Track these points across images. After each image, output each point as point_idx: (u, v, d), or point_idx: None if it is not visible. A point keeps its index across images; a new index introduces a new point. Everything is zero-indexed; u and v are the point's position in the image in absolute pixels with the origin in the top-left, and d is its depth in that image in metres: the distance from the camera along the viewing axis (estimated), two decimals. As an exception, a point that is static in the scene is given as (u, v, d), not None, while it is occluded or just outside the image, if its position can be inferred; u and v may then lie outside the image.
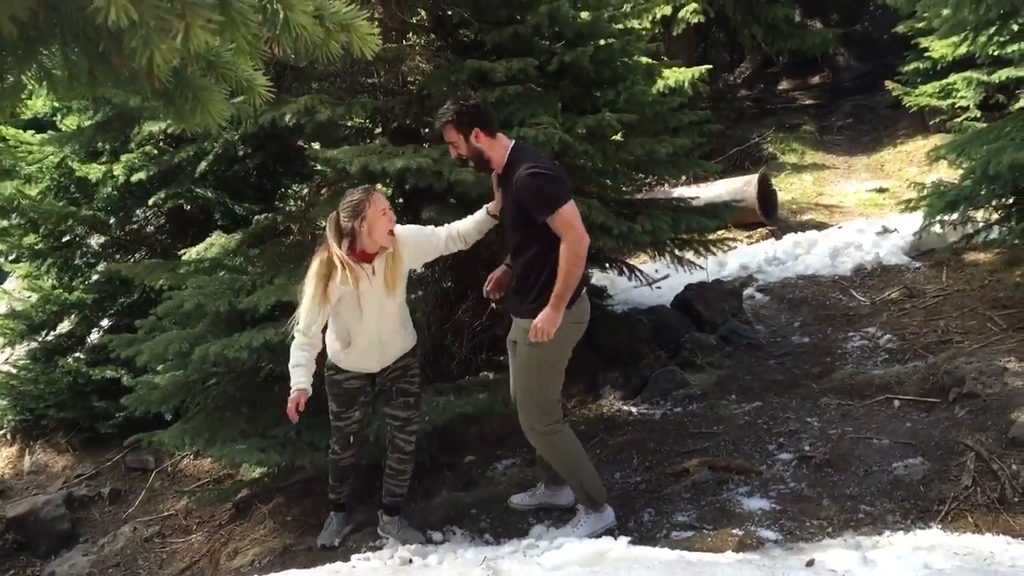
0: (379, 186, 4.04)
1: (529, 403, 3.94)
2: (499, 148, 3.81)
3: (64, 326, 7.41)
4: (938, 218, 5.99)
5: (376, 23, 2.96)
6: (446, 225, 4.11)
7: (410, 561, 3.82)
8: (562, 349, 3.89)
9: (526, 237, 3.78)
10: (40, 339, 7.38)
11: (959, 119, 9.81)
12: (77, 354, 7.31)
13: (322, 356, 4.00)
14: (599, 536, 3.91)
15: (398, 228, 3.92)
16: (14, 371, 7.28)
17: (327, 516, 4.57)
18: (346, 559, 4.02)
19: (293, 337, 3.85)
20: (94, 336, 7.35)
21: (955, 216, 5.94)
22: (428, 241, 4.06)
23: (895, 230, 8.03)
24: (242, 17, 1.76)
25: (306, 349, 3.82)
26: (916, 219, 6.94)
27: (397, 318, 4.05)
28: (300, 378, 3.81)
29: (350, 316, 3.91)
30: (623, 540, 3.68)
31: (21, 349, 7.49)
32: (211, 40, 1.71)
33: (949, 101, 10.45)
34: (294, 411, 3.76)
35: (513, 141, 3.87)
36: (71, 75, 1.90)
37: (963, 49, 7.24)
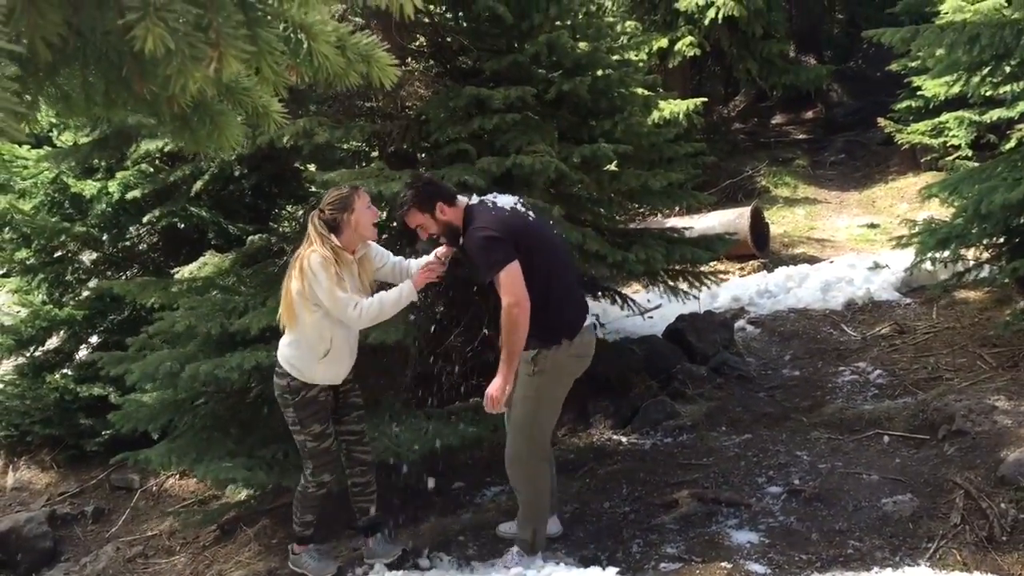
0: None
1: (521, 433, 3.90)
2: (460, 214, 3.79)
3: (53, 342, 7.36)
4: (929, 255, 6.04)
5: (375, 36, 2.99)
6: (397, 257, 4.19)
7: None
8: (562, 382, 3.89)
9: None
10: (28, 354, 7.31)
11: (951, 157, 9.90)
12: (65, 370, 7.24)
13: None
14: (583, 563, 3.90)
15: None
16: (1, 386, 7.22)
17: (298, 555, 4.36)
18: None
19: (361, 315, 3.81)
20: (83, 353, 7.31)
21: (946, 254, 5.98)
22: (381, 259, 4.12)
23: (886, 266, 8.07)
24: (269, 47, 1.79)
25: (366, 302, 3.82)
26: (907, 255, 6.98)
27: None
28: (399, 293, 3.85)
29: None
30: (612, 570, 3.67)
31: (9, 364, 7.44)
32: (242, 69, 1.73)
33: (941, 139, 10.55)
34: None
35: (468, 201, 3.83)
36: (87, 97, 1.91)
37: (956, 88, 7.33)
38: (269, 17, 1.81)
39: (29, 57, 1.64)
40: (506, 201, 3.87)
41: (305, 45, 1.89)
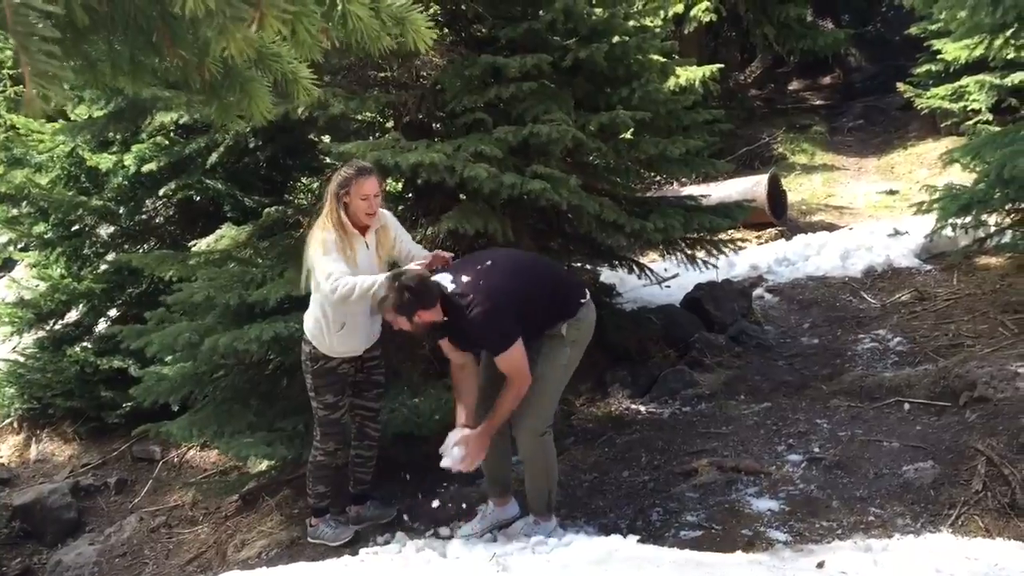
0: (372, 175, 4.00)
1: (550, 402, 3.94)
2: (439, 311, 3.71)
3: (72, 315, 7.41)
4: (950, 221, 5.98)
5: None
6: (414, 244, 4.28)
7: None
8: (578, 353, 3.96)
9: None
10: (48, 328, 7.37)
11: (971, 122, 9.79)
12: (85, 343, 7.29)
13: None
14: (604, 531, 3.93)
15: (386, 213, 4.10)
16: (22, 360, 7.28)
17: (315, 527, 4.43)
18: (354, 553, 4.01)
19: (336, 291, 3.80)
20: (102, 326, 7.35)
21: (968, 219, 5.93)
22: (399, 240, 4.17)
23: (906, 232, 8.00)
24: (305, 8, 1.76)
25: (350, 277, 3.81)
26: (927, 222, 6.92)
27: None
28: (372, 280, 3.80)
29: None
30: (632, 539, 3.67)
31: (29, 338, 7.48)
32: (283, 30, 1.70)
33: (961, 104, 10.41)
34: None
35: (444, 294, 3.75)
36: (114, 65, 1.89)
37: (977, 52, 7.22)
38: None
39: (67, 20, 1.62)
40: (466, 270, 3.83)
41: (339, 6, 1.86)
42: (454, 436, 3.87)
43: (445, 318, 3.72)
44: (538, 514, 4.02)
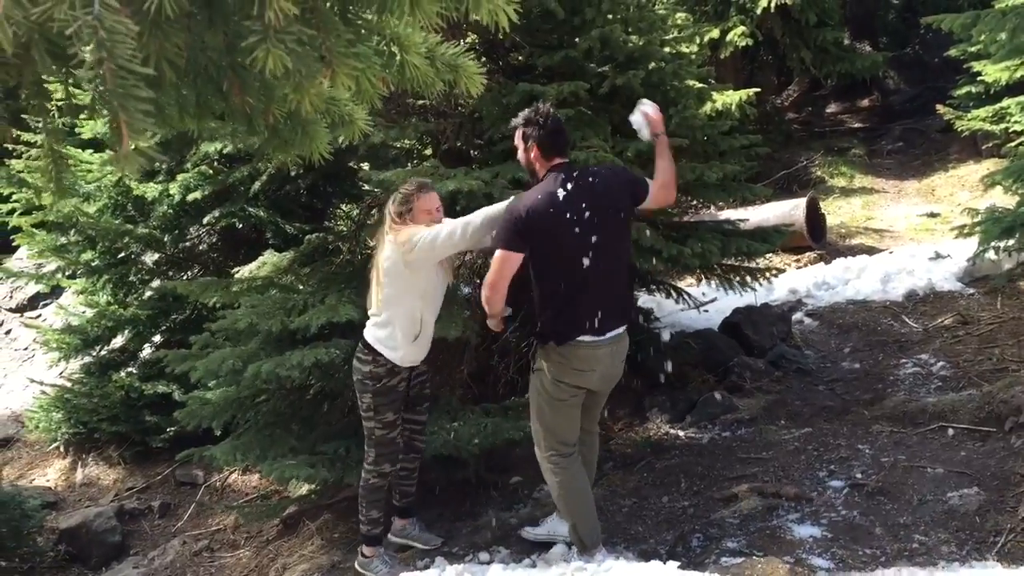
0: (433, 190, 4.06)
1: (534, 427, 3.98)
2: (543, 171, 3.75)
3: (118, 341, 7.56)
4: (993, 244, 5.91)
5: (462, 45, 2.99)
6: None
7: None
8: (559, 387, 3.77)
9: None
10: (94, 354, 7.53)
11: (1013, 144, 9.65)
12: (130, 369, 7.45)
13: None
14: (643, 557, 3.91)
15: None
16: (69, 385, 7.44)
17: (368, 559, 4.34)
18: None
19: (455, 233, 3.85)
20: (147, 351, 7.49)
21: (1011, 242, 5.85)
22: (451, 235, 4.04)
23: (948, 256, 7.90)
24: (368, 61, 1.87)
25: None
26: (969, 245, 6.84)
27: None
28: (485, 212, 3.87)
29: (429, 286, 4.01)
30: (672, 564, 3.65)
31: (76, 363, 7.65)
32: (350, 86, 1.79)
33: (1002, 125, 10.26)
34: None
35: (555, 166, 3.74)
36: (181, 109, 1.99)
37: (1019, 73, 7.15)
38: (366, 31, 1.89)
39: (155, 78, 1.72)
40: (583, 179, 3.74)
41: (398, 57, 1.95)
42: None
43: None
44: (577, 549, 4.01)
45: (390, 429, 4.11)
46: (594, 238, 3.66)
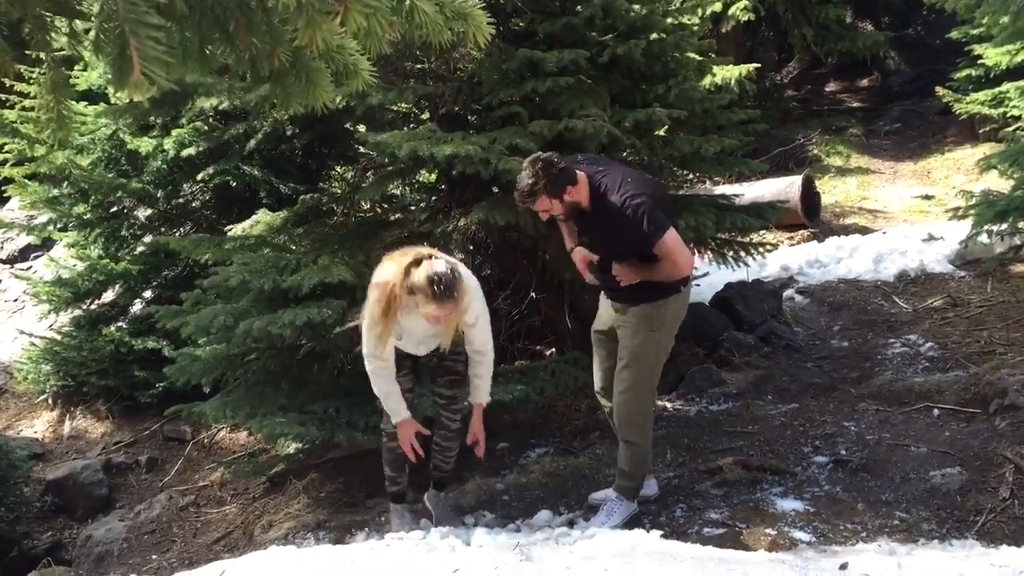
0: (447, 303, 3.53)
1: (644, 389, 4.01)
2: (583, 188, 3.72)
3: (109, 296, 7.55)
4: (986, 227, 5.92)
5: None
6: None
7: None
8: (669, 338, 4.04)
9: (626, 254, 3.83)
10: (85, 307, 7.51)
11: (1011, 128, 9.66)
12: (120, 324, 7.43)
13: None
14: (628, 525, 3.96)
15: (468, 286, 3.71)
16: (58, 338, 7.42)
17: (383, 508, 4.39)
18: (381, 536, 4.06)
19: (368, 366, 3.79)
20: (137, 307, 7.48)
21: (1004, 226, 5.86)
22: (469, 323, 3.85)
23: (940, 238, 7.94)
24: (381, 3, 1.85)
25: (384, 374, 3.81)
26: (962, 228, 6.85)
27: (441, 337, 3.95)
28: (396, 406, 3.84)
29: (403, 333, 3.87)
30: (655, 533, 3.69)
31: (65, 317, 7.63)
32: (363, 22, 1.78)
33: (1001, 110, 10.27)
34: (410, 450, 3.88)
35: (585, 172, 3.75)
36: (185, 52, 1.96)
37: (1019, 57, 7.14)
38: None
39: (167, 6, 1.71)
40: (610, 165, 3.87)
41: (407, 1, 1.92)
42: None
43: (586, 204, 3.74)
44: (622, 495, 4.09)
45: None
46: None
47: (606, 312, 4.11)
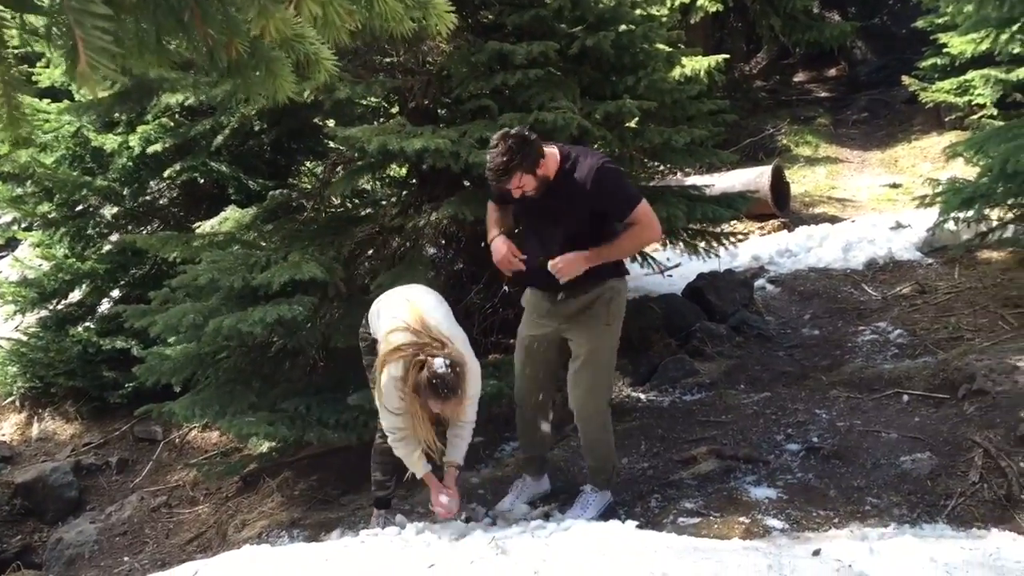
0: (451, 400, 3.60)
1: (604, 380, 4.02)
2: (552, 161, 3.70)
3: (75, 295, 7.45)
4: (953, 215, 5.99)
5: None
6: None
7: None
8: (620, 327, 4.01)
9: (583, 229, 3.76)
10: (51, 308, 7.41)
11: (976, 116, 9.78)
12: (88, 324, 7.33)
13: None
14: (603, 516, 3.97)
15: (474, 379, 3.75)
16: (24, 339, 7.32)
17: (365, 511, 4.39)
18: (355, 534, 4.04)
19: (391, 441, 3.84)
20: (105, 306, 7.39)
21: (970, 213, 5.93)
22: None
23: (908, 226, 8.01)
24: None
25: (407, 441, 3.81)
26: (929, 215, 6.93)
27: None
28: (421, 463, 3.88)
29: None
30: (630, 524, 3.70)
31: (32, 317, 7.52)
32: (317, 10, 1.75)
33: (966, 98, 10.40)
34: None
35: (553, 146, 3.77)
36: (141, 43, 1.92)
37: (983, 46, 7.21)
38: None
39: None
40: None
41: None
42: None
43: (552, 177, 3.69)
44: (599, 487, 4.10)
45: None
46: None
47: (540, 315, 4.04)
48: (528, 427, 4.27)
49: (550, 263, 3.72)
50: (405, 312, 3.69)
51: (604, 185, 3.65)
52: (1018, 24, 5.98)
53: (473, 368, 3.73)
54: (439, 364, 3.51)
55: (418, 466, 3.90)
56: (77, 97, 6.83)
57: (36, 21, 2.00)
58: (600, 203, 3.71)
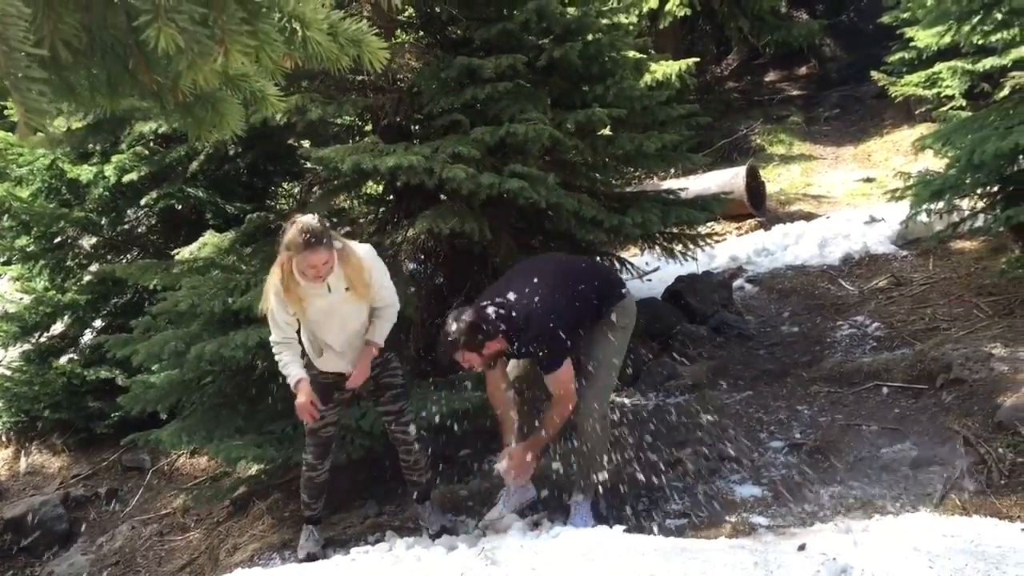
0: (317, 249, 3.69)
1: (607, 390, 4.16)
2: (502, 340, 3.88)
3: (57, 327, 7.42)
4: (924, 207, 6.05)
5: (365, 21, 2.99)
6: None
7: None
8: (627, 340, 4.23)
9: None
10: (34, 341, 7.37)
11: (944, 108, 9.87)
12: (71, 355, 7.31)
13: None
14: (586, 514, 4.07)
15: (359, 251, 3.93)
16: (8, 373, 7.28)
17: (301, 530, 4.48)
18: (346, 552, 4.06)
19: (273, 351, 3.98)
20: (87, 337, 7.37)
21: (941, 205, 5.99)
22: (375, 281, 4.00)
23: (882, 219, 8.10)
24: (268, 38, 1.91)
25: (285, 347, 3.96)
26: (903, 208, 6.99)
27: (363, 326, 4.05)
28: (293, 370, 3.94)
29: (314, 326, 3.98)
30: (618, 528, 3.74)
31: (15, 351, 7.49)
32: (246, 62, 1.82)
33: (935, 90, 10.49)
34: (311, 408, 3.92)
35: (508, 320, 3.89)
36: (92, 87, 1.99)
37: (948, 39, 7.27)
38: (265, 9, 1.91)
39: (50, 57, 1.74)
40: (531, 288, 3.99)
41: (300, 33, 1.98)
42: (503, 454, 4.13)
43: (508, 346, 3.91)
44: (587, 494, 4.16)
45: (316, 421, 4.07)
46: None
47: None
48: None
49: (503, 472, 4.14)
50: None
51: (529, 341, 3.87)
52: (979, 16, 6.06)
53: (364, 248, 3.97)
54: (305, 217, 3.73)
55: (296, 372, 3.96)
56: (50, 130, 6.82)
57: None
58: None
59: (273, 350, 3.99)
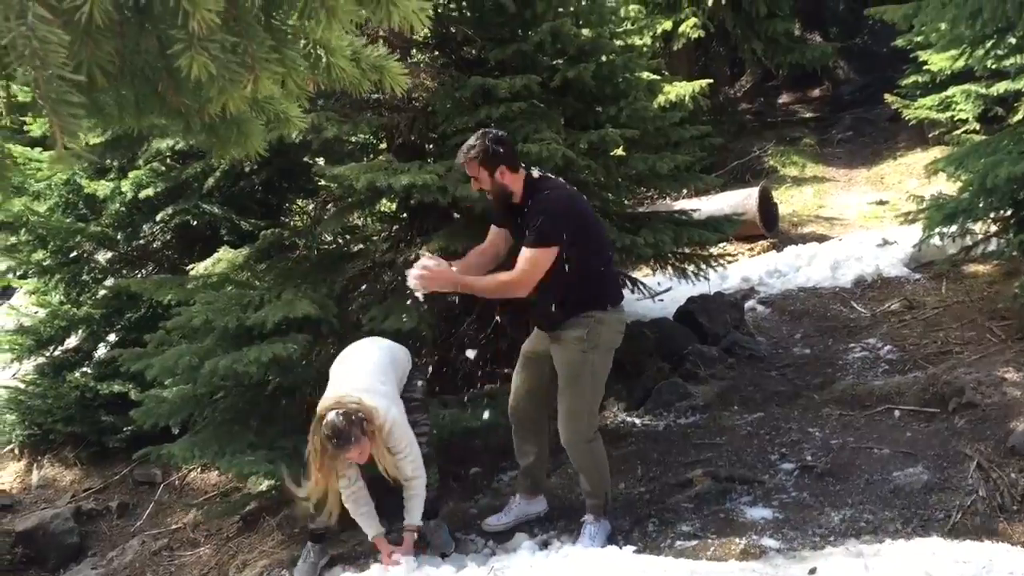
0: (346, 448, 3.76)
1: (579, 413, 4.01)
2: (519, 180, 3.89)
3: (72, 341, 7.47)
4: (937, 230, 6.05)
5: (381, 40, 3.05)
6: None
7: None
8: (609, 356, 4.04)
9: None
10: (48, 354, 7.42)
11: (958, 132, 9.89)
12: (85, 369, 7.35)
13: None
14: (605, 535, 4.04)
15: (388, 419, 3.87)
16: (22, 386, 7.33)
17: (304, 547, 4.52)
18: (357, 570, 4.07)
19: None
20: (101, 351, 7.41)
21: (954, 228, 6.00)
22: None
23: (895, 242, 8.09)
24: (294, 64, 1.97)
25: (354, 500, 4.01)
26: (916, 231, 7.00)
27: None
28: (369, 523, 4.03)
29: None
30: (628, 549, 3.73)
31: (29, 364, 7.54)
32: (274, 89, 1.87)
33: (948, 114, 10.52)
34: (389, 561, 3.97)
35: (530, 172, 3.94)
36: (120, 108, 2.04)
37: (961, 63, 7.31)
38: (292, 37, 1.98)
39: (87, 83, 1.80)
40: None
41: (324, 60, 2.04)
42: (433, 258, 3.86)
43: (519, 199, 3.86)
44: (595, 515, 4.12)
45: None
46: None
47: (538, 335, 4.22)
48: (520, 440, 4.33)
49: (415, 268, 3.78)
50: (328, 393, 3.91)
51: (536, 208, 3.80)
52: (992, 40, 6.08)
53: (389, 417, 3.82)
54: (330, 417, 3.71)
55: (368, 526, 4.04)
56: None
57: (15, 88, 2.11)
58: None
59: (346, 505, 4.03)
